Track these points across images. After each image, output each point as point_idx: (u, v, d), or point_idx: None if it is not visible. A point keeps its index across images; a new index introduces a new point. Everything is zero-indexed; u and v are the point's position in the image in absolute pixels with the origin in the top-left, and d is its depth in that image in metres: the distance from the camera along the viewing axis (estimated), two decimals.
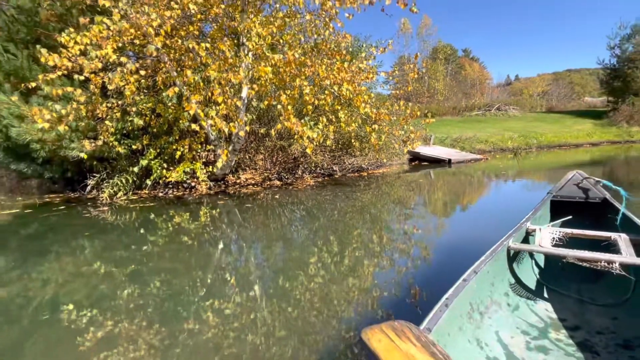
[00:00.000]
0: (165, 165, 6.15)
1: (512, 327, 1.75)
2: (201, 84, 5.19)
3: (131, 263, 3.22)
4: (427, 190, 6.71)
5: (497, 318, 1.77)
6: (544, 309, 1.97)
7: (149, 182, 6.26)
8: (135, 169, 6.20)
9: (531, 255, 2.34)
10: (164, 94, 5.20)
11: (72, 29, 4.67)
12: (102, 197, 6.05)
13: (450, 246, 3.50)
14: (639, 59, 18.13)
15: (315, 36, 6.05)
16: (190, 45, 4.63)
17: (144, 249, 3.63)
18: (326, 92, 5.72)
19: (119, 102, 5.46)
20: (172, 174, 5.94)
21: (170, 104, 5.63)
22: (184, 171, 6.01)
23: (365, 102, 6.06)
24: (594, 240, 2.23)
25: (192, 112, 4.82)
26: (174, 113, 5.52)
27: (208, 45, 4.91)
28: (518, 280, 2.14)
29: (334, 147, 8.35)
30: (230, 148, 6.33)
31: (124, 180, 6.27)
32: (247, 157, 7.79)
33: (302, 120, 5.65)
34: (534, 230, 2.35)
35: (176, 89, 4.91)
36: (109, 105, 5.35)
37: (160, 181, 6.37)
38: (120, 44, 4.61)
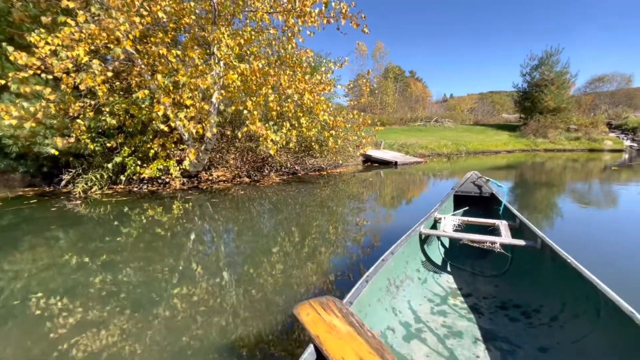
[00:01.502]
0: (139, 162, 5.80)
1: (421, 297, 1.89)
2: (171, 87, 4.94)
3: (105, 253, 2.99)
4: (378, 187, 6.92)
5: (409, 290, 1.89)
6: (446, 280, 2.14)
7: (123, 177, 5.87)
8: (110, 165, 5.78)
9: (438, 238, 2.51)
10: (134, 95, 4.89)
11: (42, 30, 4.23)
12: (75, 192, 5.57)
13: (388, 232, 3.60)
14: (543, 85, 19.89)
15: (279, 49, 6.00)
16: (162, 52, 4.40)
17: (118, 240, 3.38)
18: (289, 100, 5.70)
19: (92, 102, 5.05)
20: (146, 171, 5.60)
21: (143, 105, 5.31)
22: (157, 168, 5.70)
23: (324, 111, 6.13)
24: (484, 225, 2.45)
25: (161, 113, 4.58)
26: (147, 114, 5.21)
27: (179, 52, 4.66)
28: (428, 259, 2.30)
29: (296, 149, 8.35)
30: (203, 148, 6.10)
31: (98, 176, 5.83)
32: (219, 156, 7.56)
33: (267, 125, 5.59)
34: (440, 219, 2.55)
35: (147, 92, 4.63)
36: (82, 104, 4.93)
37: (135, 177, 6.00)
38: (92, 47, 4.27)
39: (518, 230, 2.36)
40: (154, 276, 2.50)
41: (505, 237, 2.07)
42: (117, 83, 5.59)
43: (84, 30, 4.03)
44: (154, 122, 5.11)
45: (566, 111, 19.98)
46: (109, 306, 2.04)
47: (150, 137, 5.81)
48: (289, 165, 8.24)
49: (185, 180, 6.51)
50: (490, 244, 1.99)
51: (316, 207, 4.92)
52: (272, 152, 5.68)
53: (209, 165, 7.26)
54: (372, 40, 38.15)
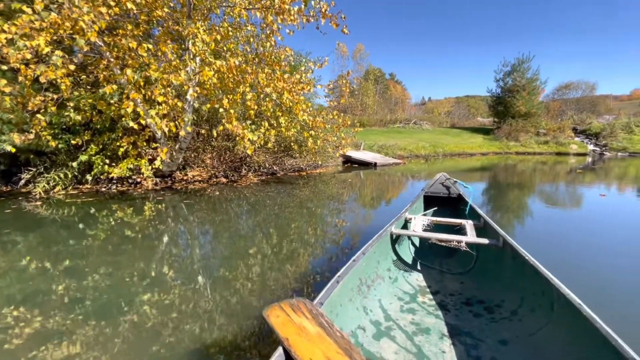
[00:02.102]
0: (107, 161, 5.52)
1: (391, 295, 1.93)
2: (142, 82, 4.72)
3: (69, 257, 2.82)
4: (358, 188, 7.00)
5: (380, 289, 1.93)
6: (416, 279, 2.19)
7: (89, 177, 5.57)
8: (75, 164, 5.47)
9: (408, 237, 2.58)
10: (100, 90, 4.64)
11: None
12: (35, 192, 5.22)
13: (367, 233, 3.61)
14: (516, 90, 20.94)
15: (258, 47, 5.90)
16: (131, 45, 4.20)
17: (83, 243, 3.20)
18: (267, 99, 5.63)
19: (54, 96, 4.75)
20: (115, 170, 5.35)
21: (112, 101, 5.05)
22: (128, 167, 5.46)
23: (304, 111, 6.12)
24: (451, 225, 2.56)
25: (130, 110, 4.38)
26: (116, 110, 4.96)
27: (150, 46, 4.48)
28: (399, 258, 2.35)
29: (275, 149, 8.30)
30: (177, 146, 5.92)
31: (62, 175, 5.50)
32: (194, 155, 7.36)
33: (244, 124, 5.48)
34: (411, 219, 2.61)
35: (115, 87, 4.41)
36: (43, 98, 4.63)
37: (102, 176, 5.71)
38: (55, 37, 4.00)
39: (482, 229, 2.47)
40: (123, 281, 2.40)
41: (471, 236, 2.17)
42: (84, 76, 5.29)
43: (45, 20, 3.78)
44: (123, 119, 4.86)
45: (536, 116, 21.15)
46: (73, 314, 1.94)
47: (120, 134, 5.55)
48: (267, 165, 8.17)
49: (158, 180, 6.28)
50: (456, 243, 2.08)
51: (295, 208, 4.91)
52: (249, 152, 5.59)
53: (184, 164, 7.06)
54: (352, 42, 38.68)
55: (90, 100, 5.20)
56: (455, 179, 3.66)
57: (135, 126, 4.72)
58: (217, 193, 5.73)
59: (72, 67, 4.14)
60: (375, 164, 11.04)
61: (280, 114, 6.14)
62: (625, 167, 11.35)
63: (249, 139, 5.26)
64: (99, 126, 5.65)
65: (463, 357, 1.40)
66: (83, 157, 5.44)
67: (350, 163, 11.48)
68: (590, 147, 18.15)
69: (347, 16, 5.30)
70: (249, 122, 5.90)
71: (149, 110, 4.79)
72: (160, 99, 4.49)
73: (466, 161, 13.79)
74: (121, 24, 4.82)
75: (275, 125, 6.27)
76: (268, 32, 5.40)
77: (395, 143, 15.79)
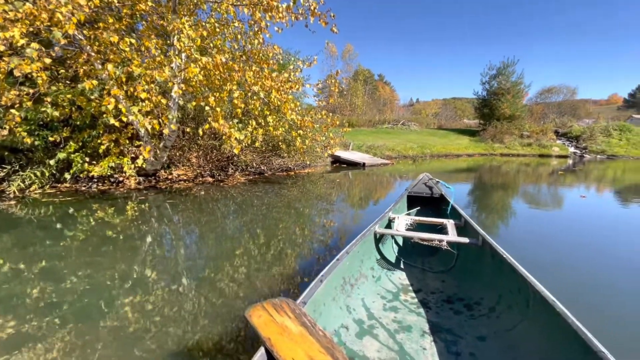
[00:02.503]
0: (88, 159, 5.34)
1: (374, 294, 1.96)
2: (124, 78, 4.58)
3: (46, 259, 2.72)
4: (346, 187, 7.03)
5: (364, 288, 1.95)
6: (399, 277, 2.23)
7: (67, 176, 5.37)
8: (52, 162, 5.27)
9: (392, 237, 2.62)
10: (79, 86, 4.47)
11: None
12: (9, 190, 5.00)
13: (355, 233, 3.64)
14: (501, 93, 21.54)
15: (246, 44, 5.82)
16: (112, 39, 4.07)
17: (61, 244, 3.09)
18: (255, 97, 5.57)
19: (31, 91, 4.57)
20: (95, 168, 5.18)
21: (92, 97, 4.88)
22: (109, 166, 5.30)
23: (292, 110, 6.10)
24: (433, 224, 2.62)
25: (111, 107, 4.24)
26: (97, 107, 4.79)
27: (133, 41, 4.35)
28: (382, 257, 2.39)
29: (263, 148, 8.24)
30: (161, 144, 5.79)
31: (38, 173, 5.28)
32: (179, 154, 7.23)
33: (231, 122, 5.39)
34: (394, 218, 2.67)
35: (95, 82, 4.27)
36: (18, 93, 4.43)
37: (82, 175, 5.53)
38: (32, 29, 3.84)
39: (463, 228, 2.53)
40: (103, 284, 2.32)
41: (452, 235, 2.23)
42: (62, 71, 5.10)
43: (20, 10, 3.61)
44: (104, 115, 4.69)
45: (520, 119, 21.78)
46: (49, 318, 1.86)
47: (101, 131, 5.37)
48: (255, 165, 8.10)
49: (141, 179, 6.13)
50: (438, 242, 2.14)
51: (283, 208, 4.89)
52: (236, 151, 5.51)
53: (169, 163, 6.92)
54: (341, 42, 38.92)
55: (69, 96, 5.01)
56: (437, 179, 3.74)
57: (117, 123, 4.57)
58: (203, 193, 5.64)
59: (48, 60, 3.97)
60: (364, 164, 11.11)
61: (268, 113, 6.09)
62: (604, 169, 11.83)
63: (235, 138, 5.19)
64: (78, 123, 5.45)
65: (443, 354, 1.43)
66: (61, 155, 5.25)
67: (338, 163, 11.52)
68: (571, 149, 18.83)
69: (336, 16, 5.33)
70: (235, 120, 5.81)
71: (131, 107, 4.64)
72: (143, 95, 4.37)
73: (453, 162, 14.06)
74: (102, 17, 4.66)
75: (263, 124, 6.21)
76: (256, 29, 5.33)
77: (384, 143, 15.95)
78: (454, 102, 46.94)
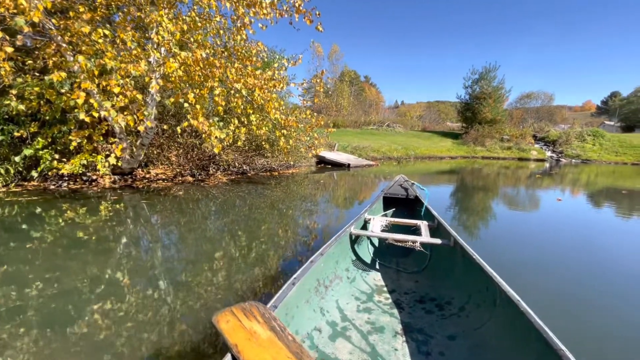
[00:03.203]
0: (57, 156, 5.09)
1: (348, 295, 1.95)
2: (95, 71, 4.38)
3: (9, 262, 2.55)
4: (331, 188, 7.02)
5: (338, 289, 1.94)
6: (373, 278, 2.24)
7: (34, 173, 5.10)
8: (18, 159, 4.99)
9: (368, 238, 2.62)
10: (46, 78, 4.24)
11: None
12: None
13: (337, 233, 3.69)
14: (483, 97, 22.22)
15: (229, 40, 5.68)
16: (83, 29, 3.87)
17: (27, 247, 2.90)
18: (237, 95, 5.46)
19: None
20: (65, 166, 4.93)
21: (63, 90, 4.64)
22: (81, 163, 5.07)
23: (276, 109, 6.04)
24: (408, 226, 2.66)
25: (80, 102, 4.04)
26: (67, 101, 4.56)
27: (107, 32, 4.17)
28: (358, 258, 2.39)
29: (246, 148, 8.14)
30: (138, 142, 5.61)
31: (3, 171, 4.99)
32: (157, 152, 7.02)
33: (212, 120, 5.25)
34: (370, 219, 2.68)
35: (64, 74, 4.05)
36: None
37: (50, 173, 5.26)
38: None
39: (436, 229, 2.58)
40: (73, 288, 2.20)
41: (425, 236, 2.26)
42: (30, 62, 4.84)
43: None
44: (76, 110, 4.48)
45: (501, 123, 22.53)
46: (10, 325, 1.75)
47: (72, 127, 5.11)
48: (237, 164, 7.98)
49: (116, 178, 5.91)
50: (411, 243, 2.16)
51: (266, 209, 4.82)
52: (216, 150, 5.37)
53: (147, 161, 6.71)
54: (327, 43, 39.12)
55: (37, 89, 4.75)
56: (413, 181, 3.80)
57: (88, 119, 4.36)
58: (182, 193, 5.49)
59: (9, 49, 3.73)
60: (349, 165, 11.16)
61: (251, 112, 5.99)
62: (579, 173, 12.40)
63: (216, 137, 5.06)
64: (48, 117, 5.19)
65: (414, 354, 1.45)
66: (28, 151, 4.98)
67: (323, 164, 11.52)
68: (548, 153, 19.65)
69: (322, 16, 5.33)
70: (216, 119, 5.67)
71: (103, 102, 4.44)
72: (116, 90, 4.18)
73: (436, 164, 14.36)
74: (73, 6, 4.43)
75: (245, 123, 6.12)
76: (239, 24, 5.23)
77: (369, 145, 16.09)
78: (438, 105, 48.07)
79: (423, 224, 2.49)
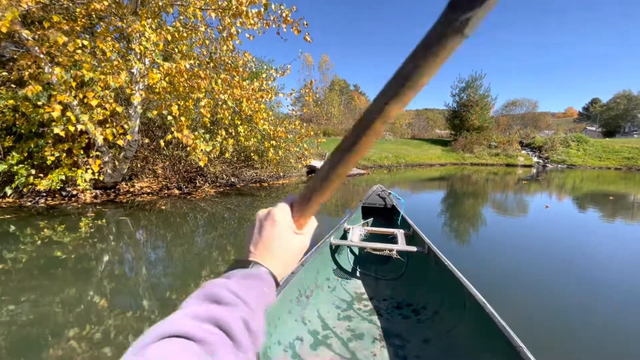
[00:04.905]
0: (34, 171, 4.88)
1: (329, 304, 2.00)
2: (72, 83, 4.24)
3: None
4: None
5: (319, 299, 1.99)
6: (353, 286, 2.30)
7: (9, 190, 4.88)
8: None
9: (347, 247, 2.69)
10: (20, 92, 4.09)
11: None
12: None
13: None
14: (470, 105, 22.81)
15: (215, 50, 5.61)
16: (58, 40, 3.74)
17: (0, 267, 2.78)
18: (224, 106, 5.38)
19: None
20: (42, 182, 4.73)
21: (40, 102, 4.47)
22: (60, 179, 4.87)
23: (264, 119, 5.99)
24: (385, 234, 2.75)
25: (55, 115, 3.89)
26: (43, 114, 4.37)
27: (85, 42, 4.05)
28: (338, 267, 2.46)
29: (235, 159, 8.04)
30: (121, 155, 5.46)
31: None
32: (140, 165, 6.85)
33: (197, 133, 5.13)
34: (349, 229, 2.76)
35: (38, 87, 3.90)
36: None
37: (26, 189, 5.04)
38: None
39: (412, 237, 2.67)
40: (50, 311, 2.08)
41: (401, 244, 2.36)
42: (4, 73, 4.67)
43: None
44: (53, 123, 4.30)
45: (488, 130, 23.08)
46: None
47: (49, 141, 4.92)
48: (225, 176, 7.86)
49: (98, 192, 5.72)
50: (389, 251, 2.26)
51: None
52: (201, 163, 5.22)
53: (131, 175, 6.54)
54: (317, 53, 39.82)
55: (11, 101, 4.58)
56: (389, 191, 3.88)
57: (62, 133, 4.20)
58: (169, 206, 5.35)
59: None
60: None
61: (239, 123, 5.92)
62: (564, 178, 12.72)
63: (201, 150, 4.94)
64: (23, 131, 5.00)
65: (392, 358, 1.52)
66: (1, 167, 4.76)
67: (314, 173, 11.48)
68: (535, 159, 20.15)
69: (310, 26, 5.37)
70: (202, 130, 5.55)
71: (80, 116, 4.28)
72: (93, 102, 4.05)
73: (426, 171, 14.52)
74: (46, 16, 4.29)
75: (233, 134, 6.03)
76: (225, 35, 5.20)
77: None
78: (426, 113, 49.05)
79: (400, 233, 2.59)
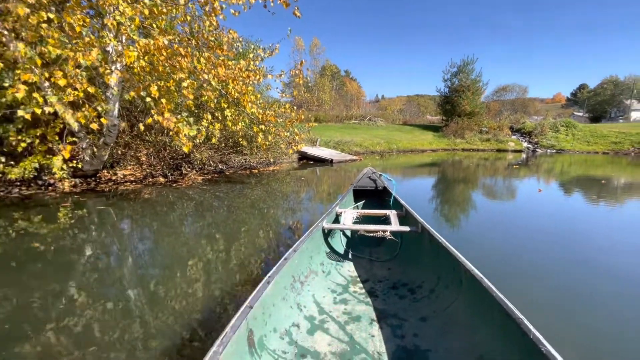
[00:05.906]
0: (4, 159, 4.58)
1: (324, 289, 1.99)
2: (38, 61, 3.87)
3: None
4: (314, 184, 6.86)
5: (314, 284, 1.97)
6: (348, 270, 2.29)
7: None
8: None
9: (340, 231, 2.67)
10: None
11: None
12: None
13: None
14: (462, 90, 22.66)
15: (197, 28, 5.24)
16: (20, 12, 3.39)
17: None
18: (208, 87, 5.09)
19: None
20: (14, 170, 4.45)
21: (6, 84, 4.11)
22: (33, 167, 4.59)
23: (253, 102, 5.74)
24: (378, 216, 2.77)
25: (19, 96, 3.59)
26: (6, 95, 4.01)
27: (51, 15, 3.68)
28: (332, 251, 2.43)
29: (222, 145, 7.79)
30: (101, 141, 5.18)
31: None
32: (121, 151, 6.56)
33: (180, 116, 4.83)
34: (342, 212, 2.75)
35: (1, 64, 3.59)
36: None
37: None
38: None
39: (405, 218, 2.68)
40: (28, 306, 1.97)
41: (394, 225, 2.38)
42: None
43: None
44: (23, 106, 3.97)
45: (479, 115, 23.10)
46: None
47: (20, 125, 4.59)
48: (213, 163, 7.63)
49: (77, 181, 5.45)
50: (382, 232, 2.25)
51: (246, 209, 4.59)
52: (185, 149, 4.96)
53: (112, 162, 6.26)
54: (308, 36, 38.90)
55: None
56: (380, 172, 3.87)
57: (28, 116, 3.89)
58: (154, 195, 5.14)
59: None
60: (332, 160, 11.03)
61: (225, 106, 5.66)
62: (553, 162, 12.88)
63: (185, 134, 4.69)
64: None
65: (390, 338, 1.52)
66: None
67: (306, 160, 11.33)
68: (525, 144, 20.36)
69: (302, 9, 5.11)
70: (185, 114, 5.26)
71: (48, 97, 3.96)
72: (61, 82, 3.75)
73: (418, 157, 14.51)
74: None
75: (220, 118, 5.78)
76: (208, 9, 4.85)
77: (351, 139, 16.03)
78: (417, 99, 48.92)
79: (392, 214, 2.59)
